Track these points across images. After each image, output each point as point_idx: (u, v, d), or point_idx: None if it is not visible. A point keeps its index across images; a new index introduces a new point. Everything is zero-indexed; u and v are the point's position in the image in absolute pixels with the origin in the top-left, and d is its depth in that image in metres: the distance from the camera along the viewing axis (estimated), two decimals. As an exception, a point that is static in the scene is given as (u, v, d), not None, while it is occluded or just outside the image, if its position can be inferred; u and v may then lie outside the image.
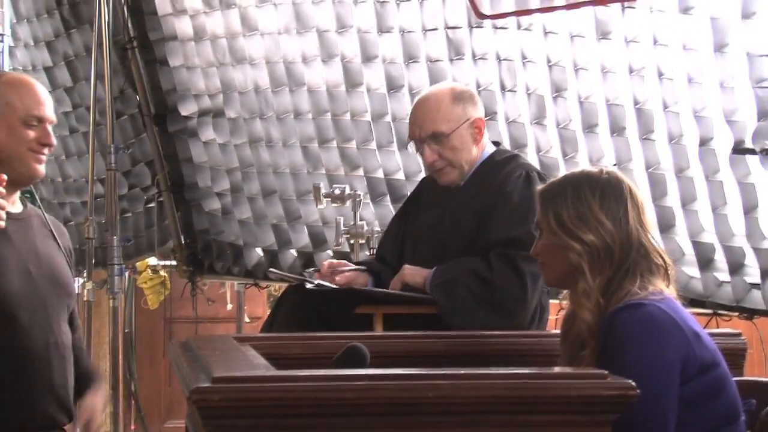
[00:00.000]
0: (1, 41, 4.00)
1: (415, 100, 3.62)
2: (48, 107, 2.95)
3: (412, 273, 3.38)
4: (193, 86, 5.30)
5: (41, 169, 2.93)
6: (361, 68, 4.76)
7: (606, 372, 2.12)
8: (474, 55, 4.42)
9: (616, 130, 4.16)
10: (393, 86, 4.71)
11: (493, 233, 3.33)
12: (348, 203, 4.52)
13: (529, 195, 3.28)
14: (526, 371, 2.19)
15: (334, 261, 3.60)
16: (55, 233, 3.00)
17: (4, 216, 2.64)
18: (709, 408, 2.37)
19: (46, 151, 2.94)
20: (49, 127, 2.94)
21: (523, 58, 4.29)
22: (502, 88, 4.39)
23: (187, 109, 5.35)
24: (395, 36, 4.61)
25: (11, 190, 2.90)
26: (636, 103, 4.08)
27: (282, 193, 5.21)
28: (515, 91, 4.35)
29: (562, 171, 4.26)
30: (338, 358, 2.40)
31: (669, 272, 2.51)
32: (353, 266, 3.56)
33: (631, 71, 4.05)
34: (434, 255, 3.43)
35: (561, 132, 4.29)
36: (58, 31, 5.69)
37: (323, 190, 4.56)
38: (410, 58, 4.61)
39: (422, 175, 4.72)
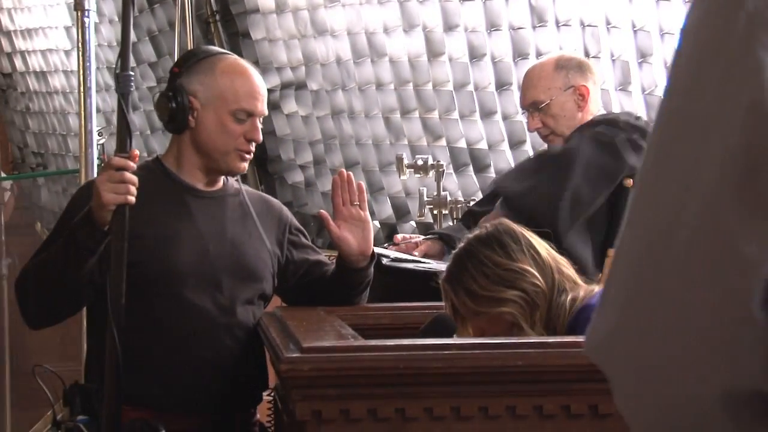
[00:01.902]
0: (87, 17, 4.03)
1: None
2: (262, 101, 2.82)
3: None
4: (275, 59, 5.32)
5: (244, 166, 2.84)
6: (443, 37, 4.73)
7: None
8: (557, 22, 4.37)
9: (703, 95, 4.08)
10: (475, 55, 4.68)
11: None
12: (431, 174, 4.50)
13: (577, 148, 3.32)
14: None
15: (406, 235, 3.66)
16: (255, 214, 2.87)
17: (134, 192, 2.51)
18: None
19: (252, 147, 2.83)
20: (259, 121, 2.83)
21: (608, 23, 4.24)
22: (586, 54, 4.33)
23: (270, 81, 5.37)
24: (477, 4, 4.58)
25: (211, 177, 2.84)
26: (723, 67, 4.00)
27: (365, 165, 5.21)
28: (599, 58, 4.30)
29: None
30: (425, 328, 2.40)
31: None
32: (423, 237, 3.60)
33: (718, 35, 3.98)
34: None
35: (647, 98, 4.23)
36: (142, 6, 5.74)
37: (406, 161, 4.54)
38: (492, 26, 4.57)
39: (505, 144, 4.71)
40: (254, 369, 2.85)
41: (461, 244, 2.46)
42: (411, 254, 3.44)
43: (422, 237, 3.62)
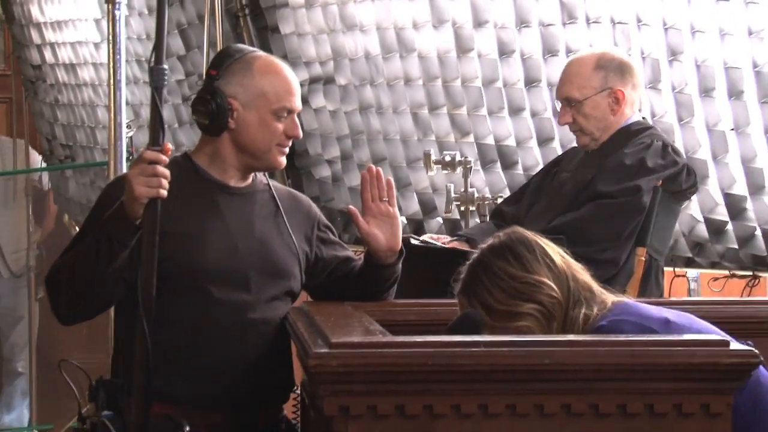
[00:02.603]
0: (118, 9, 4.04)
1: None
2: (298, 97, 2.86)
3: None
4: (303, 53, 5.32)
5: (284, 161, 2.86)
6: (472, 33, 4.72)
7: (728, 339, 2.09)
8: (588, 19, 4.35)
9: (734, 93, 4.06)
10: (504, 51, 4.66)
11: (596, 185, 3.39)
12: (458, 170, 4.50)
13: (642, 159, 3.37)
14: (645, 338, 2.16)
15: (433, 235, 3.70)
16: (283, 211, 2.88)
17: (166, 185, 2.50)
18: None
19: (290, 143, 2.86)
20: (296, 117, 2.86)
21: (638, 21, 4.22)
22: (616, 52, 4.32)
23: (298, 76, 5.34)
24: (507, 0, 4.56)
25: (244, 174, 2.85)
26: (755, 66, 3.98)
27: (392, 160, 5.20)
28: (630, 55, 4.27)
29: (678, 136, 4.19)
30: (452, 325, 2.39)
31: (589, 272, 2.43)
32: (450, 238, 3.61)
33: (750, 33, 3.96)
34: (544, 210, 3.45)
35: (677, 96, 4.21)
36: (172, -1, 5.76)
37: (433, 157, 4.54)
38: (522, 22, 4.56)
39: (533, 141, 4.70)
40: (280, 366, 2.85)
41: (474, 255, 2.44)
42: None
43: (449, 238, 3.62)
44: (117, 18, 4.05)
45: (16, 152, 6.95)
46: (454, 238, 3.61)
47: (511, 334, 2.31)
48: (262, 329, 2.79)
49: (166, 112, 6.08)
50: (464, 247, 3.50)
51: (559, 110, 3.59)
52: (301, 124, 5.38)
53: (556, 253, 2.39)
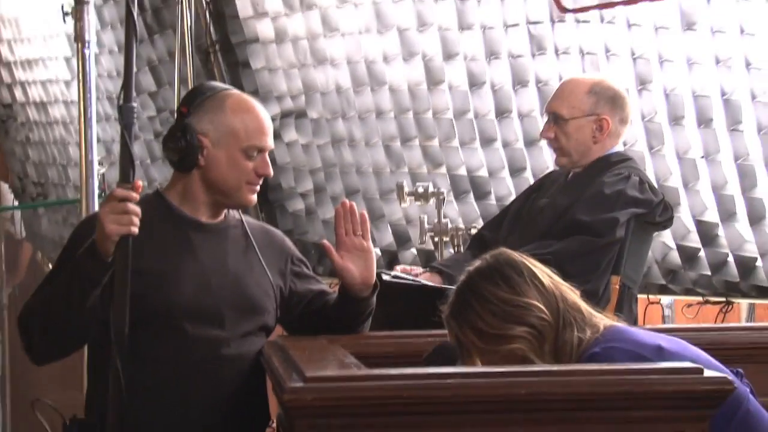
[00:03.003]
0: (87, 48, 4.04)
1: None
2: (270, 135, 2.84)
3: None
4: (275, 88, 5.33)
5: (254, 198, 2.84)
6: (443, 66, 4.74)
7: (701, 366, 2.09)
8: (557, 50, 4.38)
9: (703, 121, 4.09)
10: (475, 83, 4.69)
11: (574, 213, 3.41)
12: (431, 201, 4.51)
13: (620, 191, 3.40)
14: (619, 367, 2.17)
15: (406, 267, 3.69)
16: (257, 246, 2.86)
17: (137, 222, 2.51)
18: None
19: (261, 180, 2.84)
20: (267, 156, 2.84)
21: (607, 51, 4.25)
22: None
23: (270, 110, 5.37)
24: (476, 32, 4.59)
25: (216, 210, 2.84)
26: (723, 93, 4.01)
27: (365, 193, 5.21)
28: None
29: (649, 164, 4.22)
30: (428, 356, 2.39)
31: (578, 293, 2.42)
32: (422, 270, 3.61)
33: (717, 62, 3.99)
34: (522, 236, 3.47)
35: (647, 125, 4.24)
36: (142, 36, 5.75)
37: (406, 189, 4.55)
38: (492, 54, 4.59)
39: (506, 171, 4.71)
40: (256, 401, 2.84)
41: (462, 278, 2.42)
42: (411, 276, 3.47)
43: (421, 269, 3.63)
44: (87, 56, 4.05)
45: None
46: (426, 269, 3.62)
47: (503, 357, 2.31)
48: (237, 365, 2.78)
49: (138, 149, 6.11)
50: (435, 279, 3.50)
51: (544, 123, 3.61)
52: (274, 159, 5.42)
53: (545, 274, 2.39)
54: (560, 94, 3.58)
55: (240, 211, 2.93)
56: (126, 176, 2.52)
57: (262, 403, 2.87)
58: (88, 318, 2.64)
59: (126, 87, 2.53)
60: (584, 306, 2.39)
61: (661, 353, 2.27)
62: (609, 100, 3.53)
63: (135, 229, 2.51)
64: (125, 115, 2.52)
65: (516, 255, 2.41)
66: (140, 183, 2.54)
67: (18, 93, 6.98)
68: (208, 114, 2.80)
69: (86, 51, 4.05)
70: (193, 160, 2.79)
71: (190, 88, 5.03)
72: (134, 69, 2.54)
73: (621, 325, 2.42)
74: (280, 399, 2.13)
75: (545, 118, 3.63)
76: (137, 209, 2.52)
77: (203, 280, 2.77)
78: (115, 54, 6.01)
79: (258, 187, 2.84)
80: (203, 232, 2.83)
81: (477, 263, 2.42)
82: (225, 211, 2.89)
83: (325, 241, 2.94)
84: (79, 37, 4.06)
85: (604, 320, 2.40)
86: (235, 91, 2.90)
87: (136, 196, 2.52)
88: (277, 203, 5.56)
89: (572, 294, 2.39)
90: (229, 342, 2.77)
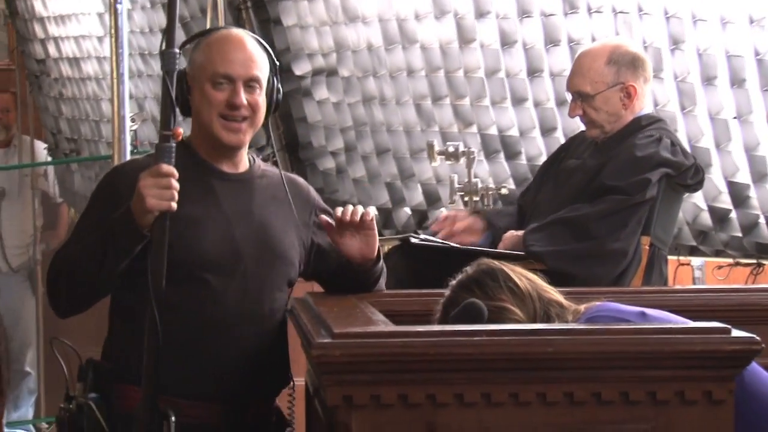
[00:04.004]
0: (120, 3, 4.04)
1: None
2: (242, 64, 2.68)
3: (507, 238, 3.45)
4: (306, 45, 5.33)
5: (232, 137, 2.70)
6: (474, 24, 4.72)
7: (729, 327, 2.09)
8: (589, 9, 4.35)
9: (736, 82, 4.06)
10: (506, 42, 4.67)
11: (605, 178, 3.40)
12: (462, 160, 4.49)
13: (652, 153, 3.38)
14: (647, 326, 2.17)
15: (452, 212, 3.67)
16: (282, 196, 2.77)
17: (177, 198, 2.50)
18: None
19: (240, 114, 2.69)
20: (246, 88, 2.68)
21: (640, 10, 4.22)
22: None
23: (301, 68, 5.38)
24: (508, -10, 4.57)
25: (227, 157, 2.75)
26: (757, 54, 3.98)
27: (396, 151, 5.21)
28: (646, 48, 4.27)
29: (681, 125, 4.20)
30: (455, 314, 2.40)
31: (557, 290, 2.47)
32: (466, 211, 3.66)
33: (751, 21, 3.96)
34: (553, 198, 3.49)
35: (679, 85, 4.21)
36: (174, -7, 5.75)
37: (437, 148, 4.53)
38: (524, 12, 4.56)
39: (537, 131, 4.70)
40: (276, 358, 2.79)
41: (447, 292, 2.48)
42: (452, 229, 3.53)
43: (466, 211, 3.65)
44: (119, 11, 4.05)
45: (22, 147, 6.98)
46: (474, 213, 3.66)
47: None
48: (260, 319, 2.73)
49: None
50: (478, 223, 3.55)
51: (569, 102, 3.58)
52: (305, 116, 5.44)
53: (520, 276, 2.44)
54: (579, 71, 3.52)
55: (270, 158, 2.89)
56: (167, 122, 2.51)
57: (283, 361, 2.82)
58: (116, 279, 2.65)
59: (168, 33, 2.52)
60: (565, 301, 2.45)
61: (644, 317, 2.31)
62: (629, 65, 3.49)
63: (174, 205, 2.51)
64: (167, 61, 2.51)
65: (495, 263, 2.47)
66: (180, 130, 2.53)
67: (51, 48, 7.01)
68: (190, 55, 2.75)
69: (119, 6, 4.05)
70: (186, 105, 2.72)
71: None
72: (177, 15, 2.53)
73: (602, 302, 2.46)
74: (309, 355, 2.15)
75: (569, 98, 3.60)
76: (177, 186, 2.51)
77: (227, 231, 2.72)
78: (147, 10, 6.02)
79: (238, 125, 2.70)
80: (227, 181, 2.77)
81: (459, 276, 2.49)
82: (249, 159, 2.82)
83: (323, 217, 2.82)
84: (111, -8, 4.06)
85: (586, 304, 2.44)
86: (226, 30, 2.80)
87: (176, 174, 2.52)
88: (308, 161, 5.57)
89: (552, 292, 2.45)
90: (252, 295, 2.72)
